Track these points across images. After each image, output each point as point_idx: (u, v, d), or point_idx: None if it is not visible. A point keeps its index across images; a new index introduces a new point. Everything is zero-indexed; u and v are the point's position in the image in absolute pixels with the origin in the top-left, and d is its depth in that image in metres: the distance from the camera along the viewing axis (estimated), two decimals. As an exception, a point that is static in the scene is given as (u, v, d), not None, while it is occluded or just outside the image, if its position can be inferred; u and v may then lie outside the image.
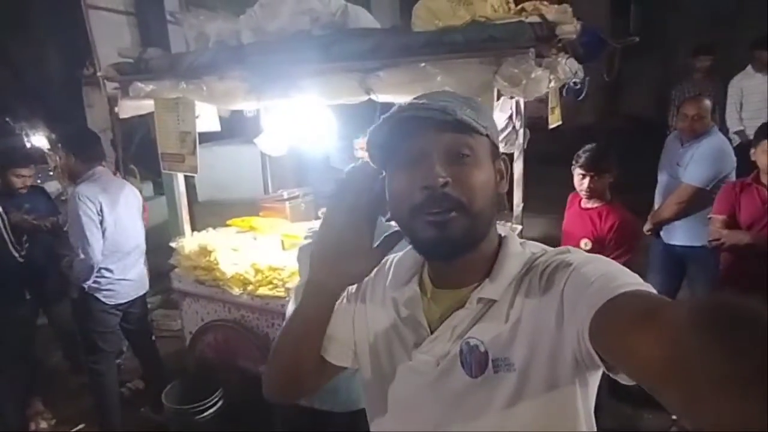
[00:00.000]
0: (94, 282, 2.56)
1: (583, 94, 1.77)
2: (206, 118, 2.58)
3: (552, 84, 1.58)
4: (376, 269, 0.83)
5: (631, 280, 0.61)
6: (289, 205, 3.00)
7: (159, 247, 3.25)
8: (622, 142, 4.70)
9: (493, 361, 0.70)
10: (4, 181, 2.83)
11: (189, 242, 2.65)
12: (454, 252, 0.72)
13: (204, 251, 2.53)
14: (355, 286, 0.88)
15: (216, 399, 2.47)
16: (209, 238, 2.67)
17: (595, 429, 0.74)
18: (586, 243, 2.57)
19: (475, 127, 0.69)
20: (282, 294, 2.34)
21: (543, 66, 1.58)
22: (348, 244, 0.75)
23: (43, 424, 2.95)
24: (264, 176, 4.48)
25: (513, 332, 0.70)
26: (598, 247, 2.50)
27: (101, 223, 2.51)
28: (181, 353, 3.47)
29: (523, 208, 2.62)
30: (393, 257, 0.87)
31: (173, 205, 3.38)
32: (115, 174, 3.20)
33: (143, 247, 2.86)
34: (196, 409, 2.40)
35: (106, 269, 2.60)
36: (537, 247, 0.79)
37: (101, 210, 2.50)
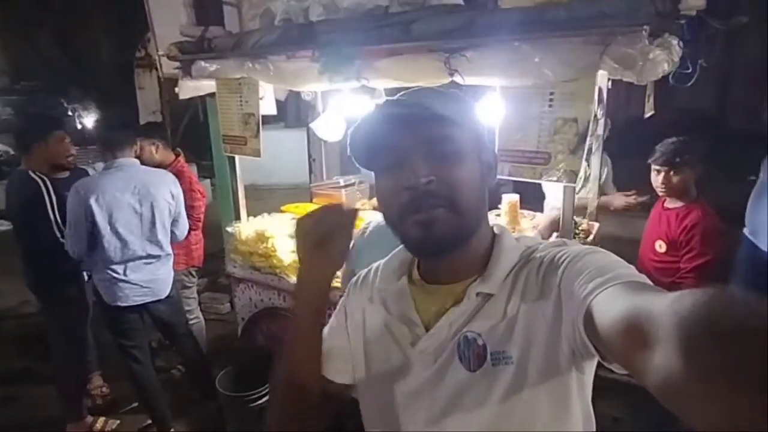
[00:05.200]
0: (97, 279, 2.43)
1: (693, 80, 1.58)
2: (266, 100, 2.49)
3: (667, 67, 1.41)
4: (362, 276, 0.90)
5: (625, 272, 0.61)
6: (345, 192, 2.91)
7: (205, 229, 3.23)
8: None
9: (491, 354, 0.71)
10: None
11: (245, 227, 2.60)
12: (443, 249, 0.73)
13: (261, 237, 2.48)
14: (341, 300, 0.92)
15: (268, 388, 2.43)
16: (266, 224, 2.60)
17: (592, 415, 0.74)
18: (660, 245, 2.39)
19: (455, 120, 0.69)
20: (340, 285, 2.25)
21: (657, 46, 1.41)
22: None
23: (100, 401, 2.99)
24: (310, 162, 4.42)
25: (510, 325, 0.71)
26: (672, 250, 2.31)
27: (94, 222, 2.31)
28: (228, 337, 3.46)
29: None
30: (378, 263, 0.90)
31: (221, 189, 3.33)
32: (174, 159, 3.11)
33: (166, 251, 2.56)
34: (249, 397, 2.37)
35: (111, 269, 2.40)
36: (532, 240, 0.80)
37: (92, 212, 2.29)
